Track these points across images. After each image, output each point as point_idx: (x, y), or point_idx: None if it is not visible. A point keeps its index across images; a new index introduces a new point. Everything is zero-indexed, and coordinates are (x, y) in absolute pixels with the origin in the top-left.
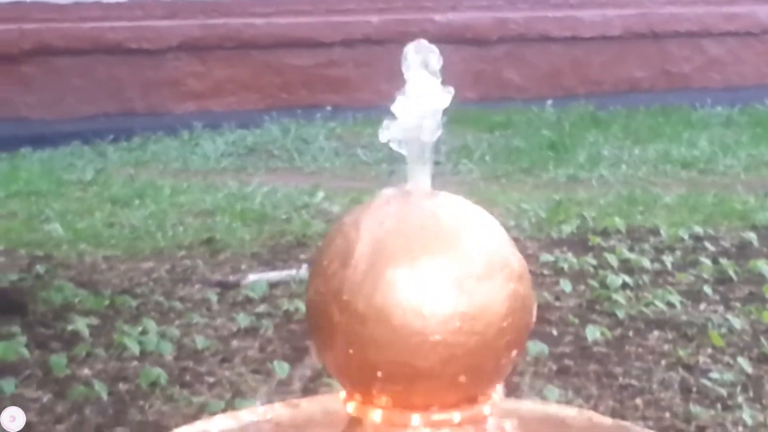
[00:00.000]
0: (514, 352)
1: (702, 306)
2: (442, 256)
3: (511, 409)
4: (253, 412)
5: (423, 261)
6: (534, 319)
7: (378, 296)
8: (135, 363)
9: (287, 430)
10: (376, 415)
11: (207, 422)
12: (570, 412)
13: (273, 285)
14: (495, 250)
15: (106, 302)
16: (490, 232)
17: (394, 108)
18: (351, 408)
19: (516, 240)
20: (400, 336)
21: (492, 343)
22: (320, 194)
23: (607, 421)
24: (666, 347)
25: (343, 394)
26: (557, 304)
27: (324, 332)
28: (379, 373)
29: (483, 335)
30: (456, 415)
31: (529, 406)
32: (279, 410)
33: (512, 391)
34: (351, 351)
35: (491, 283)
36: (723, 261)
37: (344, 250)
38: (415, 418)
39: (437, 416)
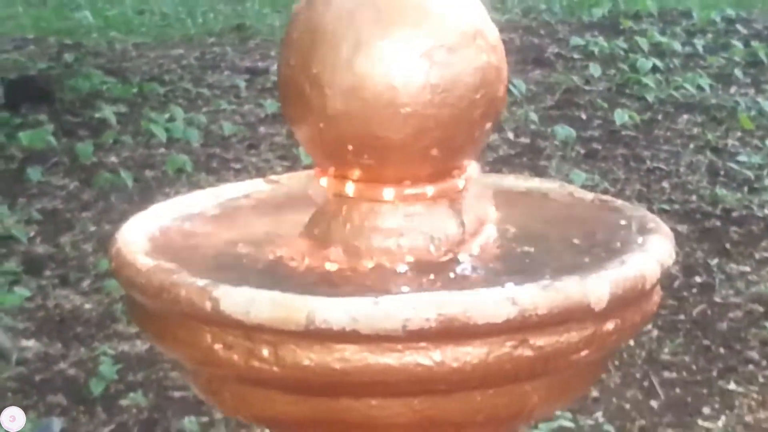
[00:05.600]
0: (488, 125)
1: (732, 89)
2: (412, 27)
3: (492, 183)
4: (233, 189)
5: (393, 32)
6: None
7: (347, 68)
8: (162, 150)
9: (267, 207)
10: (349, 189)
11: (186, 198)
12: (552, 186)
13: None
14: (467, 21)
15: (134, 89)
16: (463, 2)
17: None
18: (324, 183)
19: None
20: (371, 108)
21: (464, 115)
22: None
23: (589, 195)
24: (695, 130)
25: (316, 169)
26: (586, 88)
27: (295, 106)
28: (350, 147)
29: (455, 107)
30: (429, 189)
31: (511, 180)
32: (259, 186)
33: (540, 174)
34: (322, 125)
35: (463, 55)
36: (755, 44)
37: (314, 22)
38: (388, 192)
39: (410, 190)
